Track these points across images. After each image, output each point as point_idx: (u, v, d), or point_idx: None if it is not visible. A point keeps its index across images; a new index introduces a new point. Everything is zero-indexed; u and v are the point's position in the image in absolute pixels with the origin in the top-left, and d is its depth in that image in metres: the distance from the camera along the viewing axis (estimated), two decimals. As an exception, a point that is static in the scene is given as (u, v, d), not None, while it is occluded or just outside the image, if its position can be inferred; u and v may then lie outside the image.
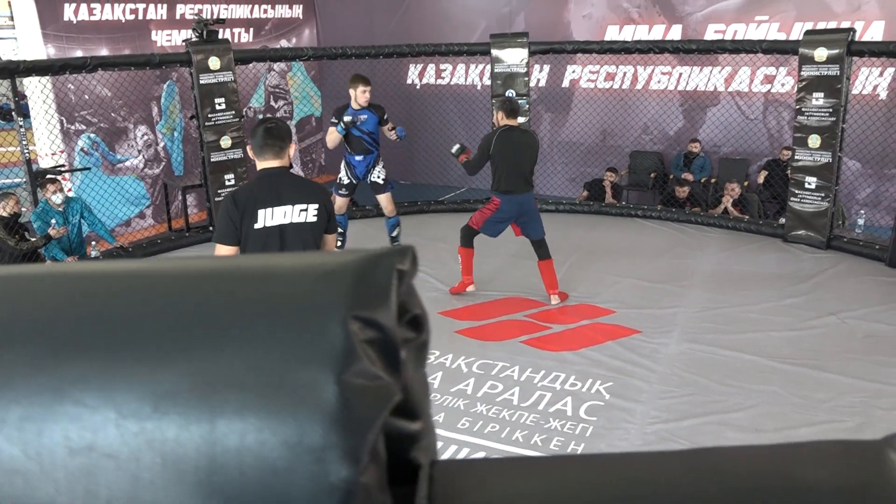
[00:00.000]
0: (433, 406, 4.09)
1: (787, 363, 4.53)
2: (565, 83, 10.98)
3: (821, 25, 9.11)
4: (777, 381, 4.32)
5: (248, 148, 3.47)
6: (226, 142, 7.24)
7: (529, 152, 5.32)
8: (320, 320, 0.33)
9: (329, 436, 0.32)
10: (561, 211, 8.32)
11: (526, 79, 7.82)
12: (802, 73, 6.51)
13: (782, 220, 7.23)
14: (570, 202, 8.56)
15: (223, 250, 3.14)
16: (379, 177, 6.38)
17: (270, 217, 3.07)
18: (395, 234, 6.50)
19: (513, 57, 7.76)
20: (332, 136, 6.19)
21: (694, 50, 7.26)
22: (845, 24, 8.92)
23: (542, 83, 11.05)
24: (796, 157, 6.74)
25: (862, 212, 7.49)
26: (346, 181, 6.44)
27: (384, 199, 6.41)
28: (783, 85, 9.77)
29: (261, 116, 10.92)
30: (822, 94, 6.40)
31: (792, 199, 6.83)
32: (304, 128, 12.01)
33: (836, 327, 5.06)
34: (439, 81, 11.78)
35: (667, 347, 4.82)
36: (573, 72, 10.87)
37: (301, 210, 3.12)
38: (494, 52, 7.81)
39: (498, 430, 3.94)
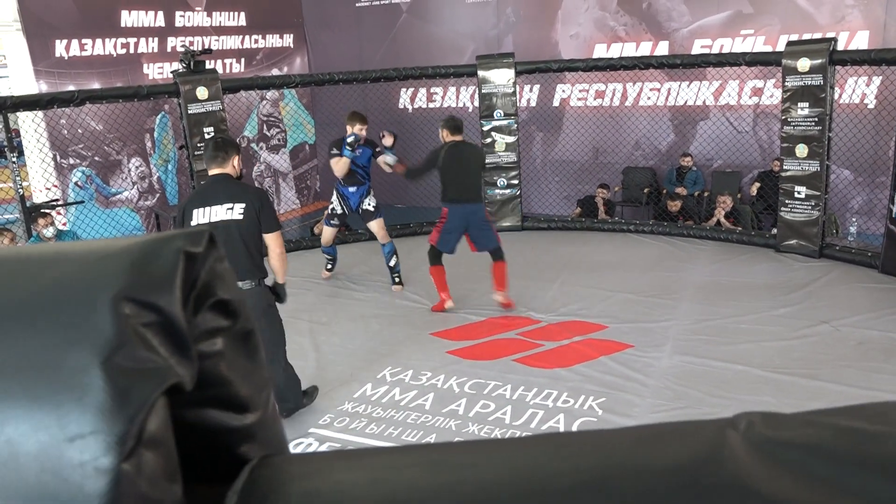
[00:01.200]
0: (424, 427, 4.06)
1: (779, 373, 4.50)
2: (556, 102, 11.04)
3: (806, 37, 9.17)
4: (769, 392, 4.28)
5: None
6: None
7: (475, 164, 5.69)
8: (89, 303, 0.32)
9: (92, 421, 0.31)
10: (553, 228, 8.32)
11: (513, 99, 7.86)
12: (787, 83, 6.54)
13: (774, 231, 7.22)
14: (563, 219, 8.56)
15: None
16: (370, 205, 6.53)
17: (202, 216, 3.52)
18: (392, 263, 6.47)
19: (500, 77, 7.81)
20: (341, 163, 6.25)
21: (678, 64, 7.30)
22: (830, 35, 9.00)
23: (533, 103, 11.11)
24: (785, 167, 6.75)
25: (854, 219, 7.48)
26: (338, 211, 6.54)
27: (375, 226, 6.48)
28: (772, 97, 9.81)
29: (255, 146, 10.98)
30: (806, 104, 6.42)
31: (783, 208, 6.83)
32: (297, 155, 12.06)
33: (828, 335, 5.03)
34: (431, 105, 11.85)
35: (659, 361, 4.78)
36: (563, 91, 10.93)
37: (227, 209, 3.52)
38: (481, 73, 7.86)
39: (489, 450, 3.90)
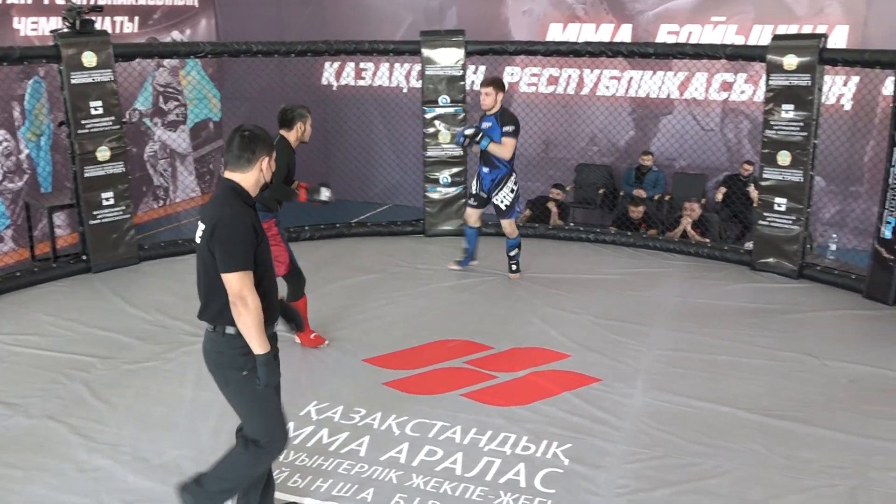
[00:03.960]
0: (359, 479, 3.79)
1: (767, 416, 4.43)
2: (503, 87, 10.87)
3: (781, 29, 9.31)
4: (759, 438, 4.20)
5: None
6: (103, 153, 6.75)
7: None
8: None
9: None
10: (502, 234, 8.12)
11: (462, 83, 7.64)
12: (771, 82, 6.54)
13: (749, 245, 7.25)
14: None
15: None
16: (502, 202, 6.51)
17: (198, 228, 3.11)
18: (512, 253, 6.78)
19: (447, 58, 7.57)
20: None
21: (651, 54, 7.23)
22: (807, 28, 9.16)
23: (477, 86, 10.92)
24: (765, 176, 6.76)
25: (834, 236, 7.60)
26: (473, 191, 6.71)
27: (503, 224, 6.65)
28: (742, 93, 9.93)
29: (147, 120, 10.39)
30: (792, 106, 6.44)
31: (760, 222, 6.85)
32: (199, 133, 11.50)
33: (817, 371, 5.02)
34: (359, 83, 11.51)
35: (631, 399, 4.65)
36: (512, 74, 10.79)
37: (201, 229, 3.08)
38: (425, 51, 7.59)
39: (439, 509, 3.66)
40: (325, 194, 5.23)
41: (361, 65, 11.45)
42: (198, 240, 3.08)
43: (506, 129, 6.19)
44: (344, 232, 8.07)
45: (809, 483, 3.81)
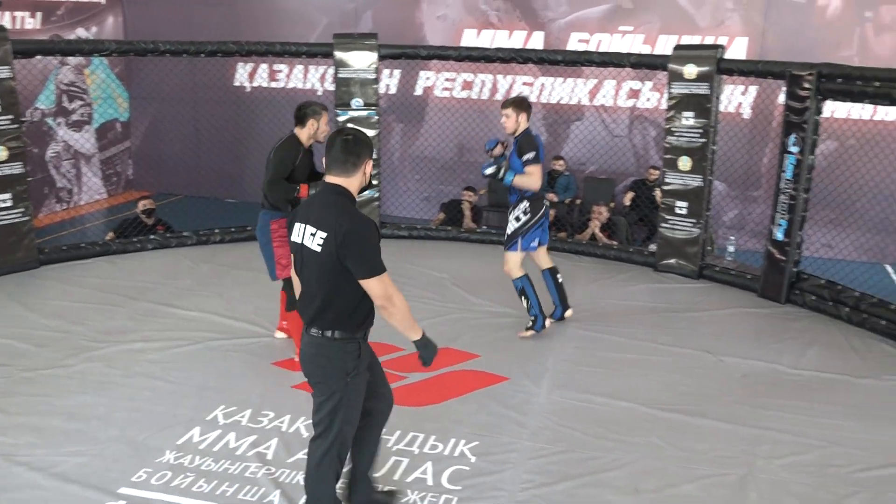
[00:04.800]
0: (266, 482, 3.78)
1: (665, 410, 4.62)
2: (418, 91, 10.98)
3: (685, 39, 9.69)
4: (657, 432, 4.38)
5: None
6: (1, 153, 6.53)
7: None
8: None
9: None
10: (415, 237, 8.21)
11: (375, 87, 7.68)
12: (672, 90, 6.82)
13: (653, 248, 7.52)
14: (426, 226, 8.48)
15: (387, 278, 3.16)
16: (507, 230, 5.57)
17: (297, 233, 3.13)
18: (524, 302, 5.65)
19: (360, 61, 7.60)
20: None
21: (559, 61, 7.42)
22: (709, 39, 9.57)
23: (393, 90, 10.99)
24: (667, 180, 7.03)
25: (732, 238, 7.95)
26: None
27: (504, 256, 5.62)
28: (648, 100, 10.29)
29: (50, 120, 10.06)
30: (692, 114, 6.72)
31: (663, 224, 7.12)
32: (106, 134, 11.21)
33: (713, 367, 5.26)
34: (273, 84, 11.42)
35: (537, 397, 4.78)
36: (427, 79, 10.90)
37: (311, 234, 3.06)
38: (338, 54, 7.60)
39: (346, 509, 3.69)
40: None
41: (275, 66, 11.37)
42: (314, 247, 3.02)
43: (525, 157, 5.27)
44: (255, 235, 7.97)
45: (702, 472, 4.00)
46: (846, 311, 6.03)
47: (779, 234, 6.36)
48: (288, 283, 5.13)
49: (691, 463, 4.09)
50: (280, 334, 5.57)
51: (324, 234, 2.99)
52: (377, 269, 3.02)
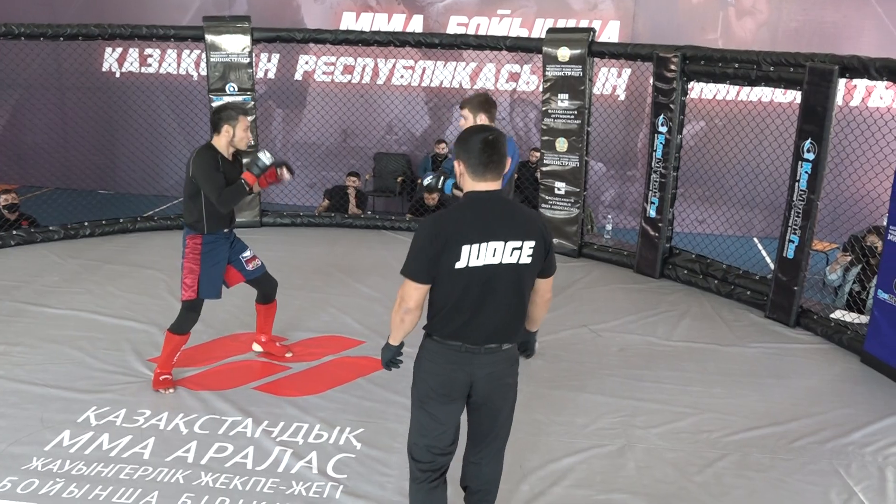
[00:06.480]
0: (142, 483, 3.64)
1: (547, 387, 4.73)
2: (298, 75, 10.78)
3: (561, 23, 9.90)
4: (540, 409, 4.47)
5: (456, 164, 2.79)
6: None
7: None
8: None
9: None
10: (298, 224, 8.08)
11: (249, 71, 7.47)
12: (547, 73, 6.94)
13: (534, 228, 7.66)
14: (309, 213, 8.35)
15: (411, 288, 2.80)
16: None
17: (476, 256, 2.70)
18: None
19: (233, 45, 7.37)
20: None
21: (437, 44, 7.43)
22: (584, 23, 9.80)
23: (272, 74, 10.75)
24: (545, 162, 7.17)
25: (610, 216, 8.20)
26: None
27: None
28: (528, 84, 10.46)
29: None
30: (566, 96, 6.87)
31: (542, 205, 7.26)
32: (-38, 125, 10.48)
33: (591, 342, 5.42)
34: (145, 70, 10.96)
35: (422, 380, 4.79)
36: (307, 63, 10.71)
37: (514, 248, 2.71)
38: (209, 37, 7.35)
39: (228, 506, 3.60)
40: (264, 157, 4.39)
41: (147, 51, 10.90)
42: (524, 260, 2.73)
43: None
44: (128, 227, 7.67)
45: (582, 445, 4.11)
46: (715, 283, 6.33)
47: (651, 212, 6.60)
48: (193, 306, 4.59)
49: (572, 437, 4.20)
50: (258, 347, 5.16)
51: (532, 243, 2.73)
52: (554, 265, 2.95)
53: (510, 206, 2.79)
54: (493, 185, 2.75)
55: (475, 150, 2.71)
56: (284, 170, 4.59)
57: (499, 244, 2.70)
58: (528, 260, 2.74)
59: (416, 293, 2.81)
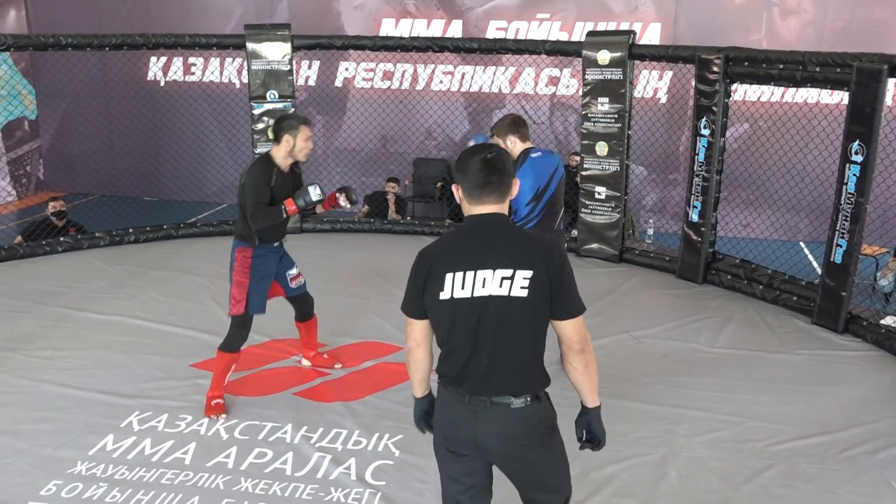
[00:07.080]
0: (184, 488, 3.67)
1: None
2: (338, 82, 10.84)
3: (601, 26, 9.80)
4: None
5: (454, 189, 2.54)
6: None
7: None
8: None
9: None
10: (338, 230, 8.12)
11: (290, 78, 7.53)
12: (587, 76, 6.88)
13: (575, 233, 7.59)
14: (349, 219, 8.38)
15: (407, 324, 2.59)
16: None
17: (461, 285, 2.38)
18: None
19: (273, 52, 7.44)
20: None
21: (476, 49, 7.41)
22: (624, 26, 9.69)
23: (312, 82, 10.83)
24: (585, 166, 7.10)
25: (651, 221, 8.08)
26: None
27: None
28: (568, 87, 10.38)
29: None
30: (607, 99, 6.79)
31: (583, 210, 7.19)
32: (13, 133, 10.75)
33: (633, 349, 5.34)
34: (189, 78, 11.12)
35: (461, 386, 4.76)
36: (347, 69, 10.76)
37: (504, 278, 2.36)
38: (251, 45, 7.43)
39: (267, 511, 3.61)
40: (313, 193, 4.39)
41: (190, 59, 11.06)
42: (505, 290, 2.36)
43: None
44: (172, 233, 7.78)
45: (624, 454, 4.04)
46: (760, 289, 6.20)
47: (694, 216, 6.49)
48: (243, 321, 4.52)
49: (614, 445, 4.12)
50: (306, 362, 5.11)
51: (527, 273, 2.35)
52: (581, 304, 2.47)
53: (509, 230, 2.46)
54: (492, 209, 2.45)
55: (472, 171, 2.42)
56: (344, 196, 4.53)
57: (487, 273, 2.37)
58: (523, 293, 2.35)
59: (410, 330, 2.60)
